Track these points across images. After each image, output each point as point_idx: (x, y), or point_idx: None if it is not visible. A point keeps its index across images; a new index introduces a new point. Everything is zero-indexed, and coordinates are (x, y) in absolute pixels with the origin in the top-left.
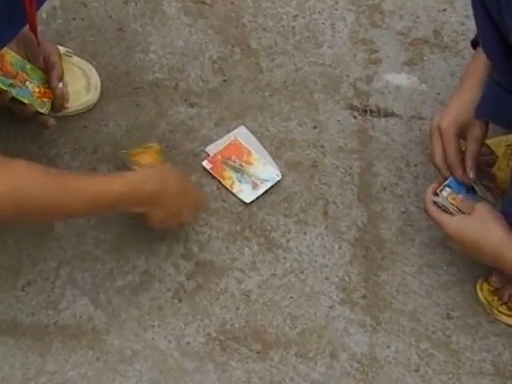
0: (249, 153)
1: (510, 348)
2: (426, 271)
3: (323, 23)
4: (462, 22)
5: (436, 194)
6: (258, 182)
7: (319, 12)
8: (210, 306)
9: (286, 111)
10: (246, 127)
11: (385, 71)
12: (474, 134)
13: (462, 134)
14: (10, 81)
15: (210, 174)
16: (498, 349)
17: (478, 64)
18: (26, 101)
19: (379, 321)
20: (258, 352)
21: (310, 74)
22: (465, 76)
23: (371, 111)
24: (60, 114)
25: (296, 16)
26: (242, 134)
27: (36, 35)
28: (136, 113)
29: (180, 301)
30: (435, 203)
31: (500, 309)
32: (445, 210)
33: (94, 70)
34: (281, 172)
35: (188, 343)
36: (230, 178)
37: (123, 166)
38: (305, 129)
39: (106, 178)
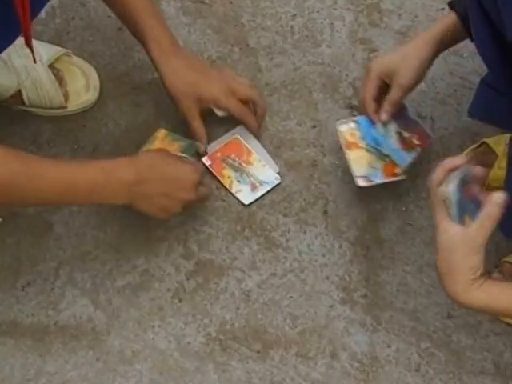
0: (249, 152)
1: (510, 347)
2: (427, 270)
3: (322, 22)
4: None
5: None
6: (257, 184)
7: (318, 11)
8: (210, 306)
9: (285, 110)
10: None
11: None
12: (398, 80)
13: (389, 79)
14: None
15: (210, 172)
16: (498, 348)
17: (439, 27)
18: None
19: (380, 320)
20: (258, 352)
21: (309, 73)
22: (421, 33)
23: None
24: (59, 113)
25: (295, 15)
26: (242, 134)
27: (30, 45)
28: (135, 112)
29: (180, 301)
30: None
31: None
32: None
33: (93, 70)
34: (280, 172)
35: (188, 343)
36: (229, 177)
37: None
38: (304, 128)
39: (81, 165)
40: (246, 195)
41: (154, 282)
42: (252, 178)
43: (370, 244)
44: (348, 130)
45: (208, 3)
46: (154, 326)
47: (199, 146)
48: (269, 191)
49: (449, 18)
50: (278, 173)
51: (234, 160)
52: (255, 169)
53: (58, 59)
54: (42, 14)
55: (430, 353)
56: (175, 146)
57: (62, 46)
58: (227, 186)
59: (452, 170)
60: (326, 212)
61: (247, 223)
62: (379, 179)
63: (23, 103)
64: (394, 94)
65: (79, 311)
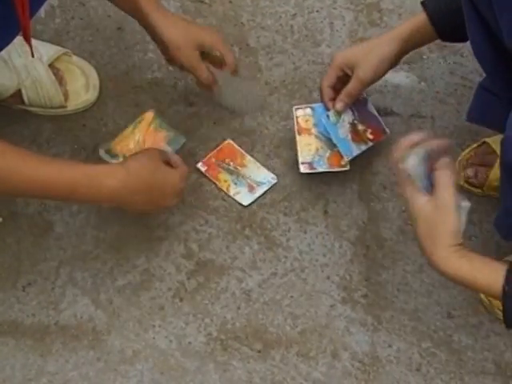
0: (242, 155)
1: (511, 347)
2: (427, 270)
3: (322, 22)
4: None
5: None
6: (254, 185)
7: (317, 11)
8: (210, 306)
9: (285, 110)
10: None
11: None
12: (357, 74)
13: (350, 71)
14: None
15: (206, 177)
16: (499, 348)
17: (407, 26)
18: None
19: (380, 320)
20: (259, 351)
21: (309, 72)
22: (390, 30)
23: None
24: (59, 113)
25: (294, 15)
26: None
27: (30, 42)
28: (135, 112)
29: (181, 300)
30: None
31: (501, 308)
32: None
33: (93, 70)
34: (280, 171)
35: (189, 343)
36: (225, 180)
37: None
38: None
39: (65, 167)
40: (244, 197)
41: (155, 281)
42: (248, 180)
43: (371, 244)
44: (303, 115)
45: (207, 3)
46: (154, 326)
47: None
48: (267, 191)
49: (418, 18)
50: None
51: (229, 164)
52: (250, 170)
53: (57, 59)
54: (42, 13)
55: (431, 352)
56: (160, 135)
57: (61, 46)
58: (225, 190)
59: (412, 147)
60: (326, 212)
61: (248, 223)
62: (322, 168)
63: (23, 102)
64: (351, 87)
65: (80, 311)
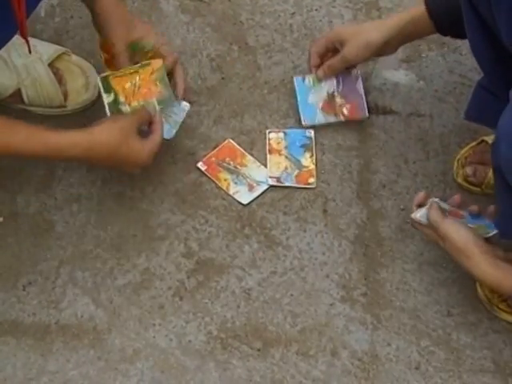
0: (242, 155)
1: (510, 345)
2: (426, 268)
3: (320, 21)
4: None
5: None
6: (254, 184)
7: (316, 9)
8: (210, 304)
9: (284, 109)
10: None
11: (383, 68)
12: (343, 51)
13: (339, 47)
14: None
15: (206, 176)
16: (498, 346)
17: (404, 16)
18: None
19: (380, 318)
20: (258, 350)
21: (308, 71)
22: (388, 17)
23: (370, 108)
24: (59, 112)
25: (293, 13)
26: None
27: (26, 37)
28: None
29: (181, 299)
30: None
31: (500, 306)
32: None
33: (92, 69)
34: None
35: (189, 341)
36: (225, 179)
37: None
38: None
39: (27, 137)
40: (243, 196)
41: (155, 280)
42: (248, 179)
43: (370, 242)
44: (276, 138)
45: (207, 1)
46: (154, 325)
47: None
48: (266, 190)
49: (417, 10)
50: None
51: (229, 163)
52: (250, 170)
53: (57, 58)
54: (42, 12)
55: (430, 351)
56: (155, 89)
57: (61, 45)
58: (225, 189)
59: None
60: (325, 210)
61: (247, 221)
62: (289, 183)
63: (23, 102)
64: (334, 61)
65: (80, 310)
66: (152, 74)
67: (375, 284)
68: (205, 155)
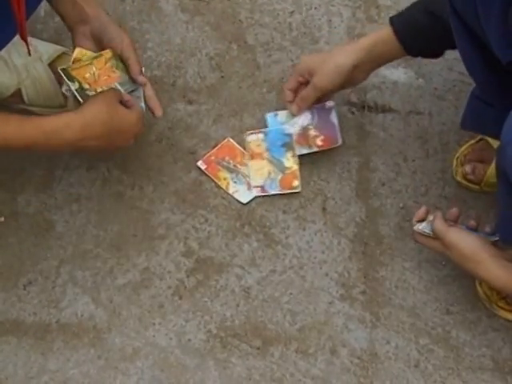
0: (242, 154)
1: (509, 343)
2: (425, 266)
3: (320, 19)
4: None
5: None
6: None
7: (315, 8)
8: (210, 303)
9: (284, 107)
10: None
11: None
12: (313, 80)
13: (309, 77)
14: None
15: (206, 175)
16: (497, 344)
17: (370, 38)
18: None
19: (379, 317)
20: (258, 348)
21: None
22: (356, 40)
23: (369, 107)
24: (59, 112)
25: (292, 12)
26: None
27: (25, 39)
28: None
29: (180, 298)
30: (419, 233)
31: (499, 303)
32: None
33: None
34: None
35: (189, 340)
36: (225, 178)
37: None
38: None
39: (20, 124)
40: (243, 194)
41: (155, 279)
42: (247, 178)
43: (369, 240)
44: (255, 139)
45: (206, 0)
46: (154, 324)
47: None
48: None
49: (383, 32)
50: None
51: (229, 162)
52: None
53: (57, 58)
54: (41, 12)
55: (429, 349)
56: (114, 75)
57: (61, 45)
58: (224, 188)
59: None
60: (324, 209)
61: (247, 220)
62: (274, 190)
63: (23, 102)
64: (306, 92)
65: (80, 309)
66: (106, 63)
67: (374, 282)
68: (204, 154)
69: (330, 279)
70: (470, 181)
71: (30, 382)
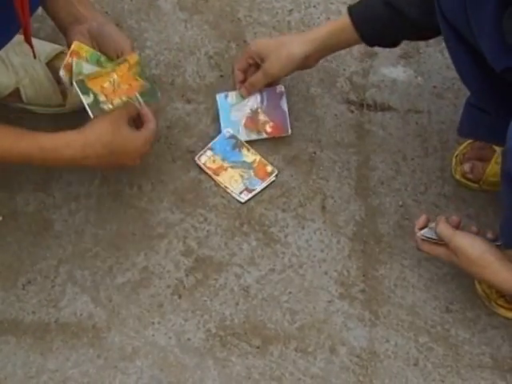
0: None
1: (508, 341)
2: (425, 265)
3: (318, 17)
4: None
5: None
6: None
7: (314, 6)
8: (209, 302)
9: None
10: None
11: (381, 65)
12: (264, 66)
13: (260, 61)
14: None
15: (205, 172)
16: (496, 342)
17: (326, 28)
18: None
19: (378, 315)
20: (257, 347)
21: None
22: (310, 29)
23: (368, 105)
24: (57, 111)
25: (291, 10)
26: None
27: (30, 42)
28: None
29: (180, 297)
30: (423, 240)
31: (498, 302)
32: (434, 241)
33: None
34: (278, 168)
35: (188, 339)
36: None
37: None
38: (302, 123)
39: (18, 139)
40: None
41: (154, 278)
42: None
43: (368, 239)
44: (208, 159)
45: None
46: (153, 323)
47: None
48: (265, 188)
49: (340, 21)
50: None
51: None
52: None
53: (55, 57)
54: (39, 11)
55: (429, 347)
56: (136, 84)
57: (59, 44)
58: (223, 186)
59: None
60: (324, 207)
61: (246, 219)
62: (258, 185)
63: (21, 101)
64: (255, 77)
65: (79, 309)
66: (130, 69)
67: (374, 281)
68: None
69: (329, 278)
70: (469, 179)
71: (29, 382)
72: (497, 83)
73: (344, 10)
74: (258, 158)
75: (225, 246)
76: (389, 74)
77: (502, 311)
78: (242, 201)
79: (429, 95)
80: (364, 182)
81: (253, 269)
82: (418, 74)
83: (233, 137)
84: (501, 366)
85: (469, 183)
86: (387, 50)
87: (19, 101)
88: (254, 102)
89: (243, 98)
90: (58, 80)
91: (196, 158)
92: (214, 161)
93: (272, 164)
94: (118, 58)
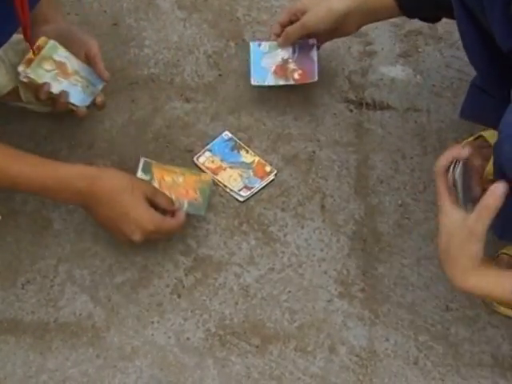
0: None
1: (508, 339)
2: (424, 263)
3: None
4: None
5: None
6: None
7: None
8: (208, 302)
9: (281, 105)
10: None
11: (380, 64)
12: (302, 18)
13: (302, 16)
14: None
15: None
16: (496, 340)
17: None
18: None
19: (378, 314)
20: (257, 346)
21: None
22: None
23: (367, 104)
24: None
25: None
26: None
27: (29, 39)
28: (131, 108)
29: (179, 296)
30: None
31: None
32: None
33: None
34: (277, 167)
35: (187, 339)
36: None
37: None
38: (301, 123)
39: (36, 163)
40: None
41: (153, 278)
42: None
43: (368, 238)
44: (206, 159)
45: None
46: (153, 322)
47: None
48: (264, 187)
49: None
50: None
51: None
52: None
53: None
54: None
55: (428, 346)
56: (193, 195)
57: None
58: (222, 185)
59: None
60: (323, 206)
61: (245, 218)
62: (258, 184)
63: (20, 100)
64: (292, 28)
65: (79, 308)
66: (197, 183)
67: (373, 279)
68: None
69: (328, 277)
70: None
71: (28, 382)
72: (504, 66)
73: None
74: (256, 158)
75: (224, 246)
76: (388, 73)
77: (501, 310)
78: (241, 199)
79: (428, 94)
80: (363, 180)
81: (252, 268)
82: (417, 72)
83: (231, 139)
84: (501, 364)
85: None
86: (386, 49)
87: (18, 100)
88: (285, 52)
89: (277, 48)
90: None
91: (194, 159)
92: (212, 161)
93: (271, 163)
94: (85, 57)
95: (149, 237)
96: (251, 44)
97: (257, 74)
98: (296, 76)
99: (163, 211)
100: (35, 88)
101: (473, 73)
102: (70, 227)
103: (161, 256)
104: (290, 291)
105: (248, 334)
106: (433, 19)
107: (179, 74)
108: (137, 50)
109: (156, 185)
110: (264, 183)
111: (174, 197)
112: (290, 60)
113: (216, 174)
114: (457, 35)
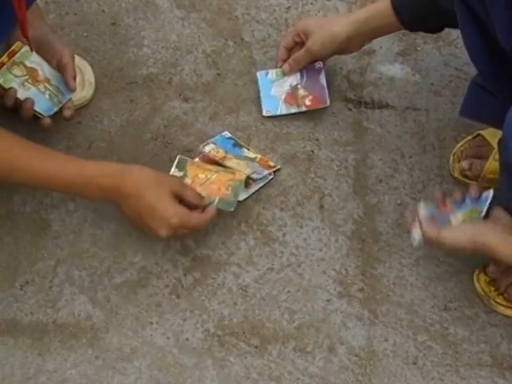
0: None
1: (507, 339)
2: (423, 263)
3: (316, 15)
4: None
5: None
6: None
7: (312, 3)
8: (207, 302)
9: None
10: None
11: (378, 62)
12: (308, 43)
13: (305, 39)
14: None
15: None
16: (495, 340)
17: (367, 10)
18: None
19: (377, 314)
20: (256, 347)
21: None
22: (352, 12)
23: (365, 103)
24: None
25: (289, 8)
26: None
27: (27, 36)
28: (130, 108)
29: (178, 297)
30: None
31: (497, 299)
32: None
33: (88, 66)
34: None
35: (186, 339)
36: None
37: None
38: (300, 122)
39: (63, 164)
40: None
41: (152, 278)
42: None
43: (367, 238)
44: (211, 149)
45: None
46: (152, 323)
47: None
48: (263, 186)
49: (381, 5)
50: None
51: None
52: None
53: None
54: None
55: (427, 346)
56: (225, 192)
57: None
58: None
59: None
60: (322, 206)
61: (244, 218)
62: (263, 174)
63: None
64: (299, 54)
65: (77, 309)
66: (230, 180)
67: (372, 279)
68: (197, 154)
69: (327, 277)
70: (467, 177)
71: (27, 383)
72: (505, 65)
73: (341, 6)
74: (259, 156)
75: (222, 245)
76: (386, 72)
77: (500, 309)
78: (240, 199)
79: (426, 93)
80: (362, 180)
81: (251, 268)
82: (416, 71)
83: (232, 138)
84: (500, 364)
85: (467, 181)
86: (384, 48)
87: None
88: (293, 78)
89: (284, 75)
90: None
91: (200, 147)
92: (217, 151)
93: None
94: (57, 65)
95: (176, 232)
96: (258, 74)
97: (268, 104)
98: (307, 102)
99: (195, 208)
100: (1, 92)
101: (472, 71)
102: (68, 228)
103: (159, 256)
104: (288, 291)
105: (247, 334)
106: (435, 30)
107: (178, 74)
108: (135, 49)
109: (189, 181)
110: (268, 172)
111: (205, 193)
112: (299, 86)
113: (223, 161)
114: (455, 34)
